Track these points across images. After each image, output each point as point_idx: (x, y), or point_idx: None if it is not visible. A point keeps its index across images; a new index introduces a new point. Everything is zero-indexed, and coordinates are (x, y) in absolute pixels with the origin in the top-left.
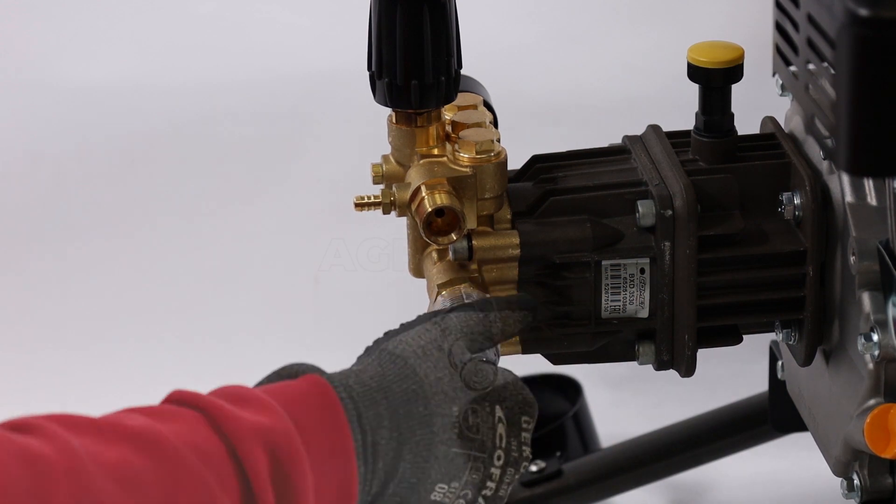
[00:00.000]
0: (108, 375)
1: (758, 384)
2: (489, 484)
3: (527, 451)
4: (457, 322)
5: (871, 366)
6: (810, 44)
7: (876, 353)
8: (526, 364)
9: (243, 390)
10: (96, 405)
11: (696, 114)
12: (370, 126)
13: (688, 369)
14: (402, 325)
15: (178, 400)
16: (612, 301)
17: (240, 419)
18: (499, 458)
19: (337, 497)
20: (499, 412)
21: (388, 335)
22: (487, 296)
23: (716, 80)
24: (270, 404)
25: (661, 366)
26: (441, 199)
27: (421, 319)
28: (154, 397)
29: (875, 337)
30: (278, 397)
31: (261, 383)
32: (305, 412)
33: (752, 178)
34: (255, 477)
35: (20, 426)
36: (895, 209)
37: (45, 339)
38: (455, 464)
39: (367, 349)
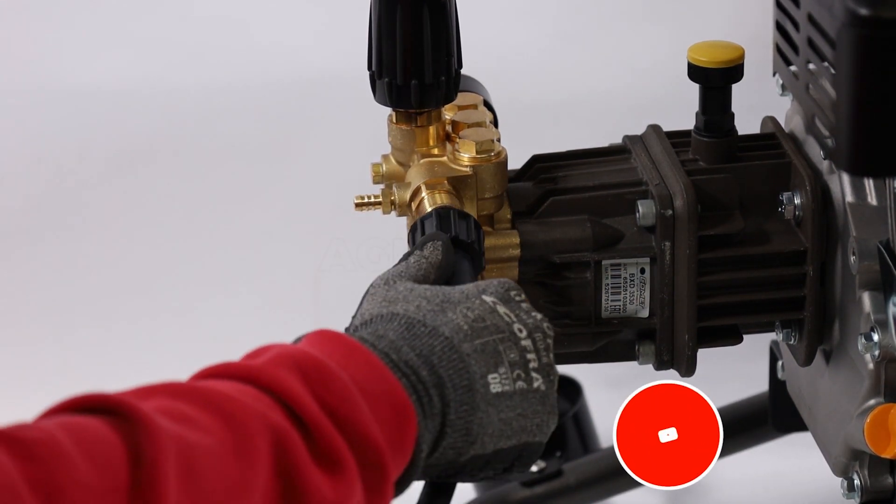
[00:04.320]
0: (107, 375)
1: (758, 384)
2: (529, 356)
3: (537, 315)
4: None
5: (871, 366)
6: (811, 43)
7: (876, 352)
8: None
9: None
10: None
11: (697, 113)
12: (370, 126)
13: (688, 369)
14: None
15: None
16: (612, 301)
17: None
18: (520, 331)
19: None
20: (488, 299)
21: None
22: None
23: (716, 80)
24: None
25: (661, 366)
26: (441, 198)
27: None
28: None
29: (875, 337)
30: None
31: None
32: (333, 353)
33: (752, 178)
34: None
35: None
36: (895, 209)
37: (46, 339)
38: (487, 353)
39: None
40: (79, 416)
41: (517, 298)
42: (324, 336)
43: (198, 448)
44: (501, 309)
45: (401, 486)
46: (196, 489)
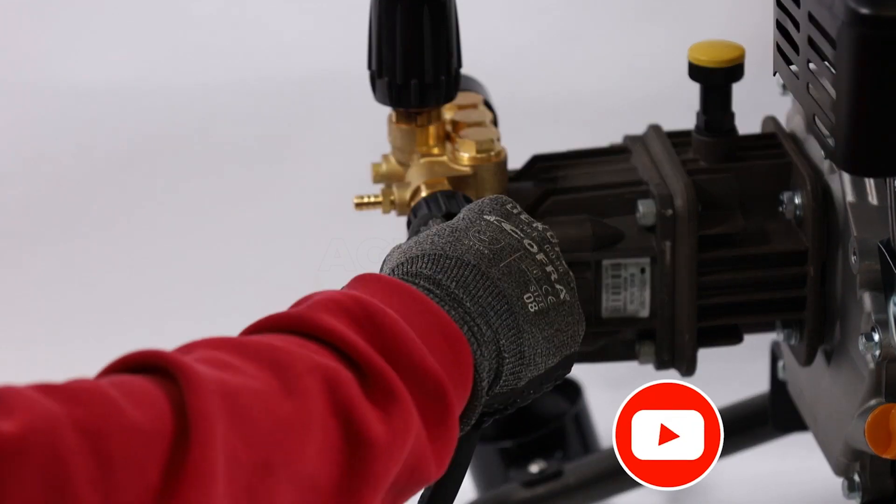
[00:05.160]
0: None
1: (758, 384)
2: (548, 269)
3: (538, 225)
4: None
5: (872, 366)
6: (811, 43)
7: (877, 352)
8: None
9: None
10: None
11: (697, 113)
12: (370, 126)
13: (688, 369)
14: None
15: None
16: (612, 301)
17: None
18: (531, 246)
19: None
20: (491, 218)
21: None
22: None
23: (716, 80)
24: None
25: (661, 365)
26: None
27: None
28: None
29: (876, 337)
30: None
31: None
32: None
33: (752, 178)
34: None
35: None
36: (895, 208)
37: (45, 340)
38: (513, 274)
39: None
40: (124, 375)
41: (515, 211)
42: (365, 279)
43: (241, 389)
44: (507, 226)
45: (465, 419)
46: (244, 427)
